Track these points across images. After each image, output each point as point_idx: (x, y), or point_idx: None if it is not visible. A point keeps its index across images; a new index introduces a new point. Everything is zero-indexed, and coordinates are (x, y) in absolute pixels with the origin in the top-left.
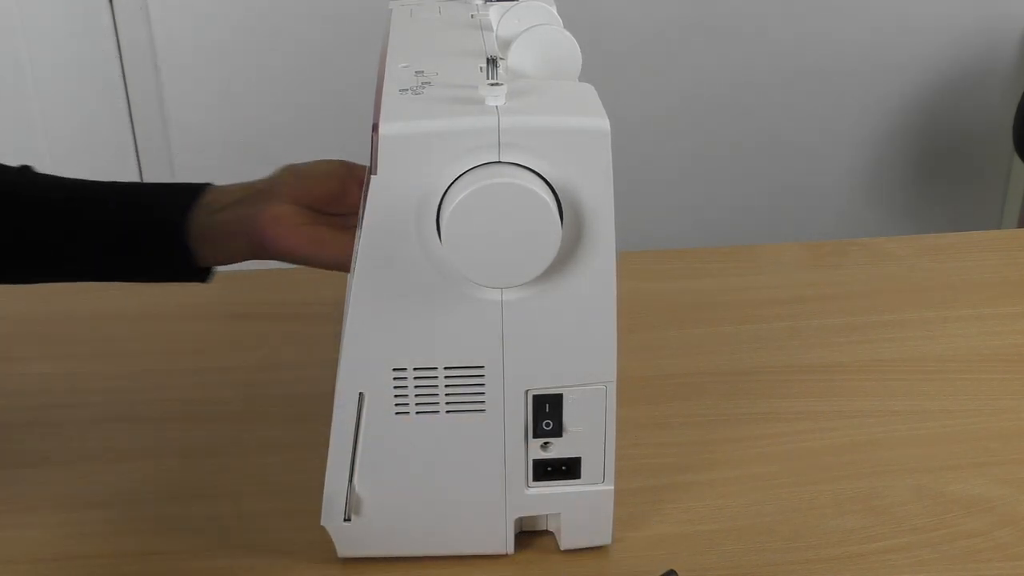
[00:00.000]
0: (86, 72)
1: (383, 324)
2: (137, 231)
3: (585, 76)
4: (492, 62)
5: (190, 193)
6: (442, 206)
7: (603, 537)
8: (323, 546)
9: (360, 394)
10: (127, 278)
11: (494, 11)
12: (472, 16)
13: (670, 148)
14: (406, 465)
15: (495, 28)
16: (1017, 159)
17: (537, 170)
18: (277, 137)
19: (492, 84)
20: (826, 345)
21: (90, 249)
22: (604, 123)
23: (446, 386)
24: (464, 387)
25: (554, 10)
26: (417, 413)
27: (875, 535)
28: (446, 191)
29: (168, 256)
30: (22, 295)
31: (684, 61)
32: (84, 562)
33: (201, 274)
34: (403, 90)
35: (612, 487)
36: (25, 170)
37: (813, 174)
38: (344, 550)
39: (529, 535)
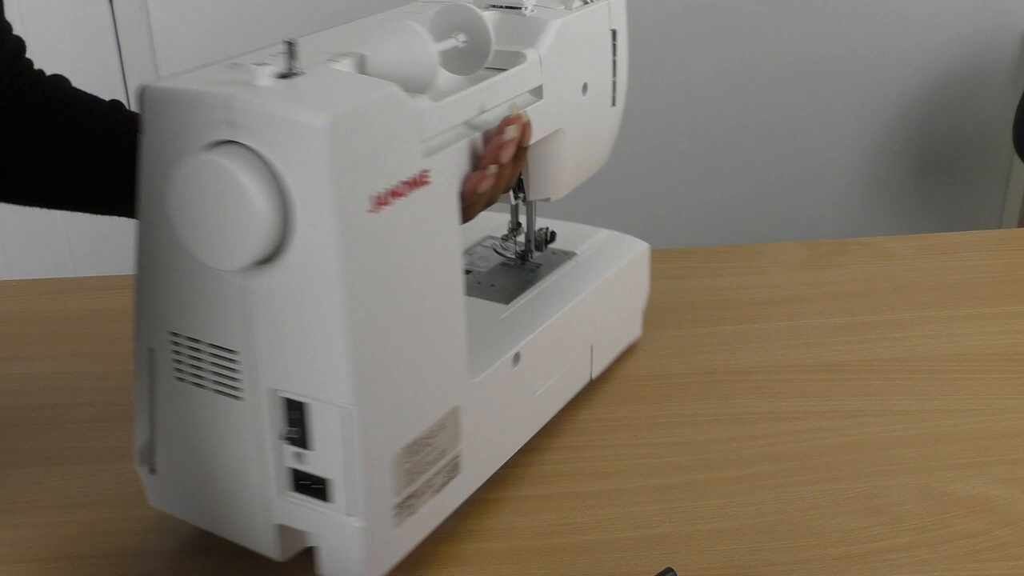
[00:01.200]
0: (86, 72)
1: (157, 285)
2: None
3: None
4: (290, 45)
5: None
6: (170, 177)
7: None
8: None
9: (150, 349)
10: None
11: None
12: None
13: (670, 147)
14: (185, 432)
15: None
16: (1017, 159)
17: (264, 155)
18: None
19: (258, 64)
20: (826, 345)
21: None
22: (323, 118)
23: (212, 363)
24: (224, 368)
25: (486, 13)
26: (193, 384)
27: (875, 535)
28: (178, 163)
29: None
30: (22, 295)
31: (684, 60)
32: (84, 562)
33: None
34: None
35: (363, 525)
36: (118, 104)
37: (813, 173)
38: (153, 500)
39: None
